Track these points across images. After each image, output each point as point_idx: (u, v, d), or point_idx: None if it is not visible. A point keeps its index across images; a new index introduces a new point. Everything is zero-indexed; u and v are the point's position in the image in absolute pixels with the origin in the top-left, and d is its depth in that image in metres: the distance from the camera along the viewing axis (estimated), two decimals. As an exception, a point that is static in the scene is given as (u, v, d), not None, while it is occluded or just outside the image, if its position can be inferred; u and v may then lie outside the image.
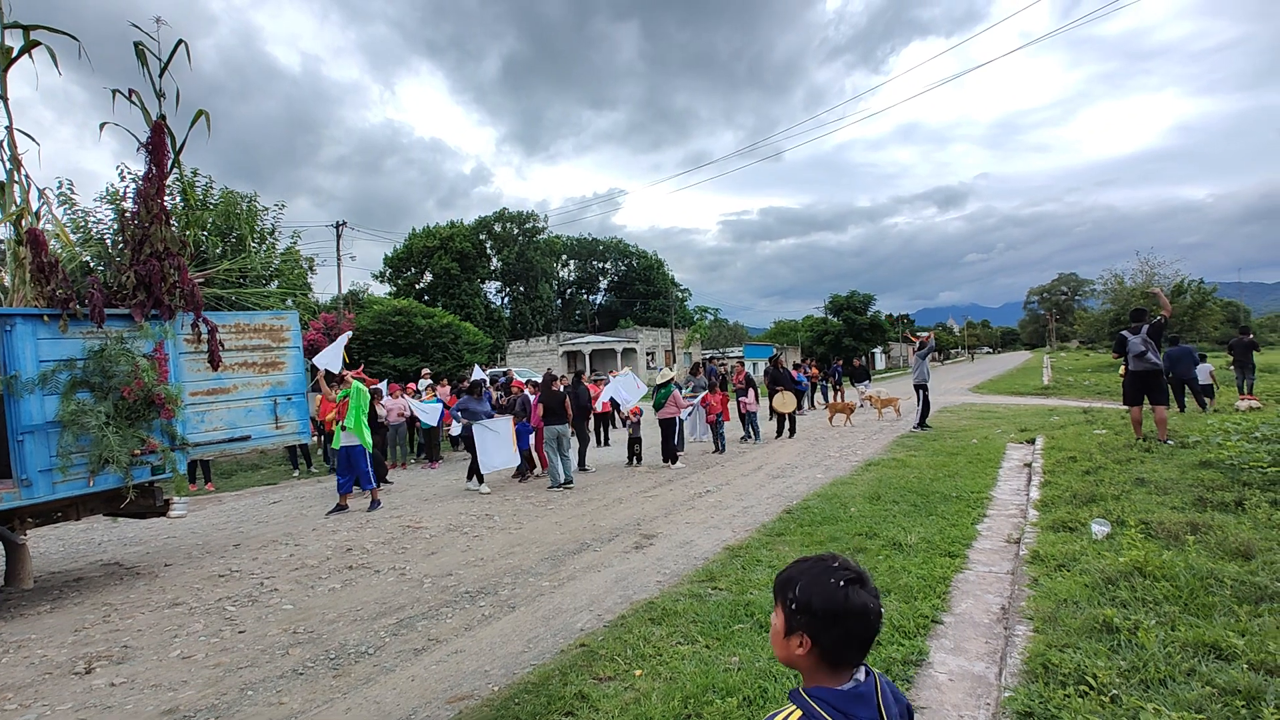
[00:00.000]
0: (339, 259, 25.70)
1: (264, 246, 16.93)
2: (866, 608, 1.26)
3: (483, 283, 51.94)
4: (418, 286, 48.01)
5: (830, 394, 21.16)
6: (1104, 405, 16.43)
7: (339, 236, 25.69)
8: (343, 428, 8.87)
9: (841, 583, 1.24)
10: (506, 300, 58.83)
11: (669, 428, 11.39)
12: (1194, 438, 8.44)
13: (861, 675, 1.30)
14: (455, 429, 11.06)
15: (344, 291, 27.95)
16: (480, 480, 10.08)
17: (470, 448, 10.30)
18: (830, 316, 55.29)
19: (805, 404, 19.68)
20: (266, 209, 17.66)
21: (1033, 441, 11.07)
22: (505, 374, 17.76)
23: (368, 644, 4.44)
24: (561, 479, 9.92)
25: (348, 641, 4.50)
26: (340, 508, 8.93)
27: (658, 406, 11.59)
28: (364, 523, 8.19)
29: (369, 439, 9.04)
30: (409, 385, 14.88)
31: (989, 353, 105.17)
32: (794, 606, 1.28)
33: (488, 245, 55.05)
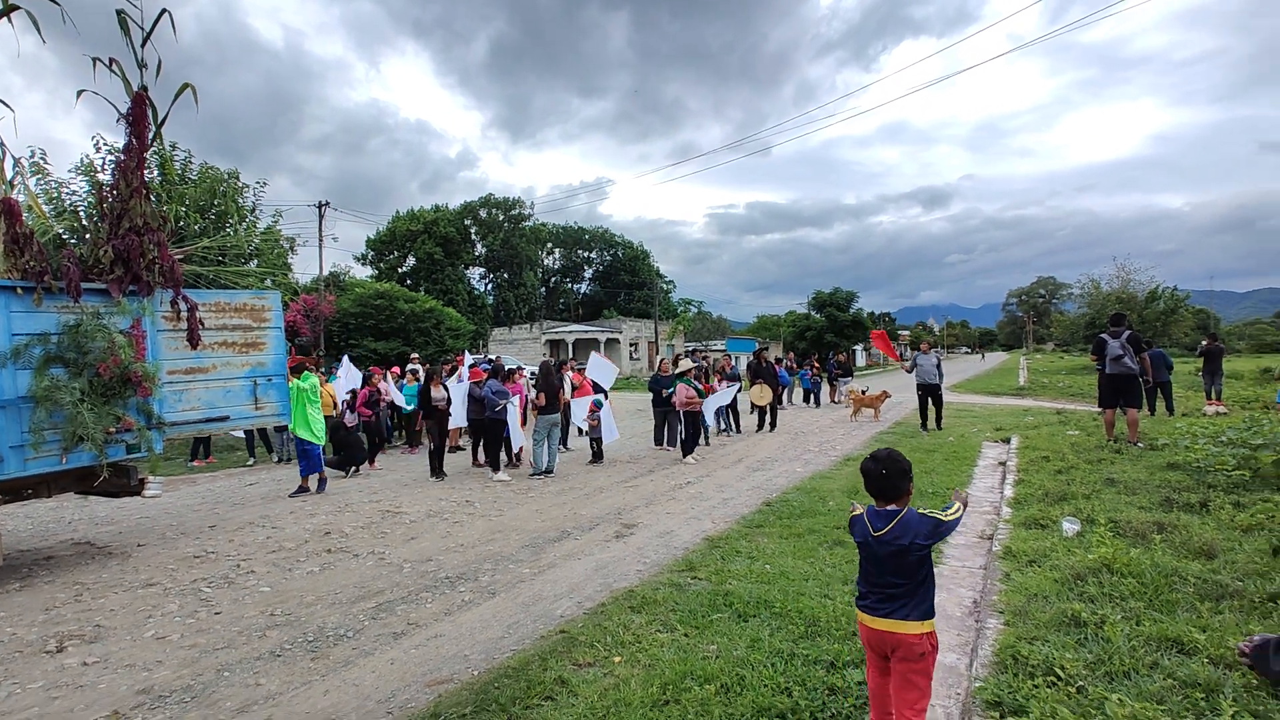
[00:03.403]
0: (320, 240, 25.34)
1: (245, 225, 16.64)
2: (869, 470, 2.67)
3: (466, 268, 51.49)
4: (400, 270, 47.48)
5: (827, 390, 21.30)
6: (1077, 407, 16.78)
7: (321, 217, 25.31)
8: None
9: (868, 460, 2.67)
10: (490, 287, 58.40)
11: (692, 420, 11.02)
12: (1162, 440, 8.67)
13: (891, 508, 2.61)
14: (456, 418, 10.62)
15: (325, 273, 27.56)
16: (501, 467, 9.92)
17: (488, 434, 10.15)
18: (813, 312, 55.67)
19: (785, 399, 19.85)
20: (247, 186, 17.34)
21: (1007, 440, 11.27)
22: (489, 360, 17.64)
23: (346, 627, 4.43)
24: (544, 466, 9.93)
25: (326, 624, 4.49)
26: (302, 490, 8.89)
27: (671, 395, 11.49)
28: (343, 506, 8.14)
29: (319, 434, 8.97)
30: (392, 369, 14.72)
31: (967, 352, 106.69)
32: None
33: (472, 231, 54.52)
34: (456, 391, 10.59)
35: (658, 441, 12.12)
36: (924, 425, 13.11)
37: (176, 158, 15.92)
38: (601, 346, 44.07)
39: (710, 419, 12.42)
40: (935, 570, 3.67)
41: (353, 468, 10.47)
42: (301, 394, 8.81)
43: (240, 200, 16.77)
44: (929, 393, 13.12)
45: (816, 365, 22.06)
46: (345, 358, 13.52)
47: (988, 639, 3.73)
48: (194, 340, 6.41)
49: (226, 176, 16.59)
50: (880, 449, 2.75)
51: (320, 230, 25.25)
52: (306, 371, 9.22)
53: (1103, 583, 4.08)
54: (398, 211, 49.58)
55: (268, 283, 16.03)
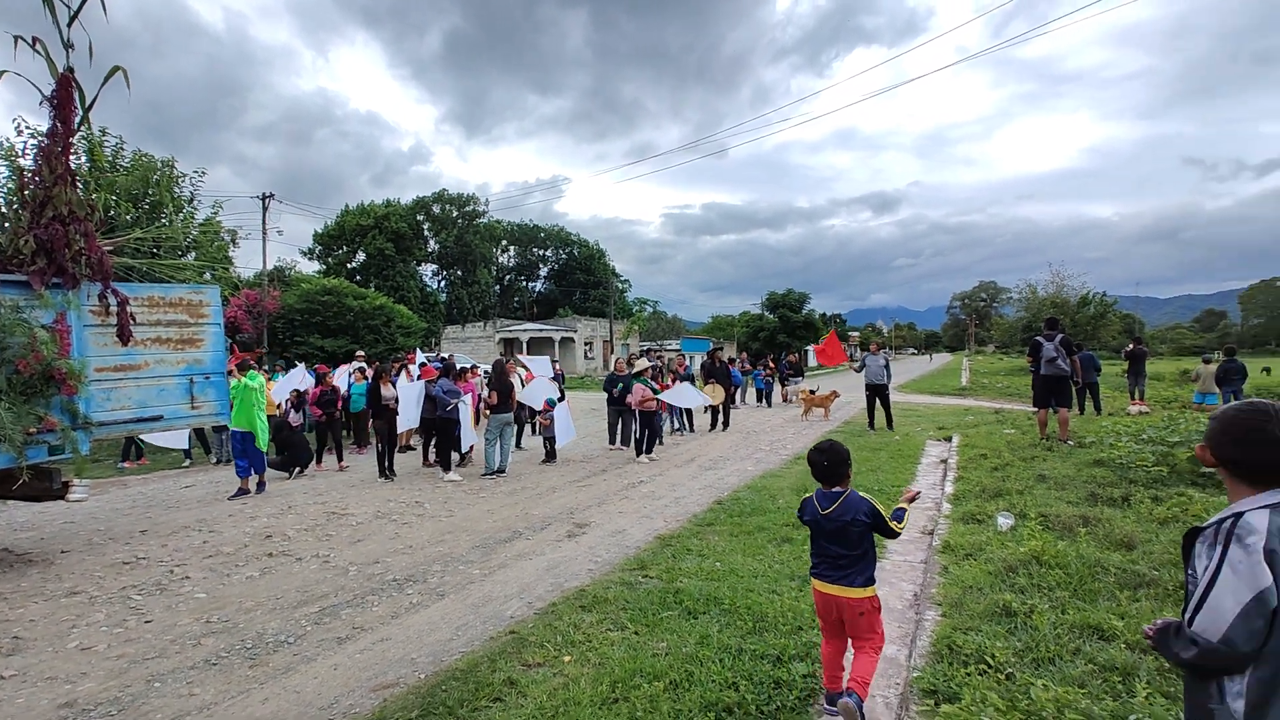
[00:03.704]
0: (264, 233, 24.44)
1: (181, 216, 15.92)
2: (814, 460, 3.06)
3: (419, 265, 50.46)
4: (349, 266, 46.20)
5: (779, 390, 21.61)
6: (1014, 406, 17.52)
7: (265, 209, 24.41)
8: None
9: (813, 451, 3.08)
10: (443, 284, 57.36)
11: (649, 420, 11.05)
12: (1090, 439, 9.13)
13: (836, 490, 3.02)
14: (408, 419, 10.31)
15: (269, 267, 26.61)
16: (452, 467, 9.79)
17: (440, 434, 9.96)
18: (767, 313, 56.56)
19: (739, 398, 20.12)
20: (184, 175, 16.60)
21: (949, 439, 11.68)
22: (442, 359, 17.31)
23: (288, 633, 4.30)
24: (496, 466, 9.82)
25: (266, 630, 4.35)
26: (241, 492, 8.59)
27: (624, 394, 11.50)
28: (285, 508, 7.88)
29: (263, 437, 8.70)
30: (340, 366, 14.33)
31: (914, 353, 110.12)
32: None
33: (425, 227, 53.44)
34: (409, 391, 10.36)
35: (612, 441, 12.14)
36: (871, 424, 13.37)
37: (107, 144, 15.12)
38: (556, 346, 43.83)
39: (683, 404, 12.43)
40: (879, 565, 3.85)
41: (297, 469, 10.15)
42: (249, 393, 8.51)
43: (176, 190, 16.04)
44: (877, 393, 13.36)
45: (771, 366, 22.36)
46: (301, 365, 13.08)
47: (926, 630, 3.87)
48: (124, 336, 6.11)
49: (161, 165, 15.84)
50: (823, 441, 3.21)
51: (264, 223, 24.36)
52: (252, 370, 8.92)
53: (1032, 574, 4.29)
54: (347, 205, 48.25)
55: (207, 276, 15.39)
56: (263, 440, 8.73)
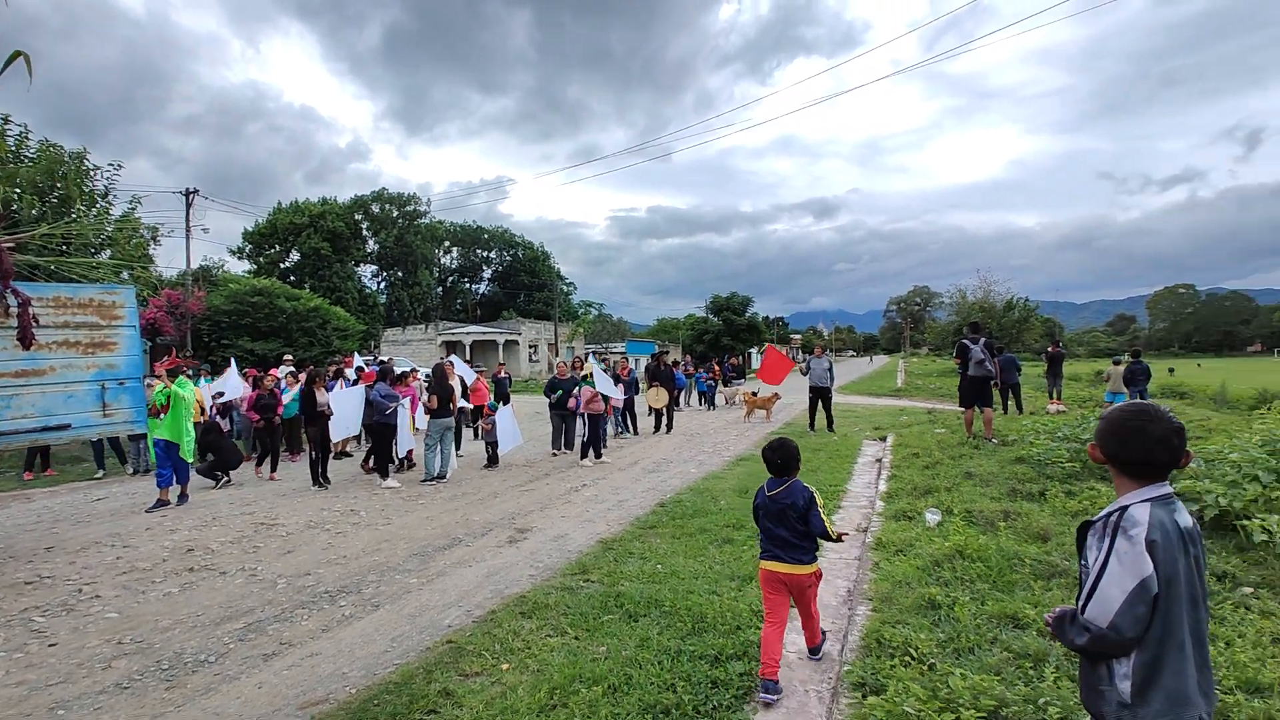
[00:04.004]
0: (188, 230, 23.22)
1: (94, 211, 14.97)
2: (767, 455, 3.50)
3: (357, 265, 48.93)
4: (283, 266, 44.40)
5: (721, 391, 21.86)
6: (945, 406, 18.27)
7: (189, 205, 23.20)
8: (162, 420, 8.14)
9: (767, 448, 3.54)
10: (383, 285, 55.79)
11: (596, 423, 11.02)
12: (1012, 437, 9.61)
13: (784, 478, 3.43)
14: (348, 426, 9.93)
15: (194, 267, 25.31)
16: (390, 474, 9.52)
17: (379, 439, 9.66)
18: (711, 316, 57.28)
19: (683, 401, 20.31)
20: (98, 168, 15.62)
21: (884, 439, 12.10)
22: (381, 362, 16.79)
23: (209, 651, 4.10)
24: (436, 472, 9.61)
25: (185, 650, 4.13)
26: (161, 503, 8.15)
27: (565, 399, 11.42)
28: (209, 520, 7.50)
29: (190, 448, 8.30)
30: (271, 371, 13.73)
31: (853, 355, 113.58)
32: None
33: (364, 226, 51.87)
34: (348, 397, 10.01)
35: (555, 447, 12.03)
36: (812, 426, 13.64)
37: (9, 133, 14.08)
38: (500, 349, 43.26)
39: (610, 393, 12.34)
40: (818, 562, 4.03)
41: (225, 478, 9.68)
42: (179, 401, 8.08)
43: (89, 183, 15.07)
44: (820, 395, 13.59)
45: (716, 371, 22.55)
46: (232, 368, 12.43)
47: (857, 625, 4.00)
48: (26, 340, 5.70)
49: (69, 156, 14.84)
50: (775, 439, 3.63)
51: (188, 219, 23.15)
52: (183, 377, 8.49)
53: (956, 568, 4.49)
54: (279, 203, 46.36)
55: (124, 276, 14.52)
56: (188, 450, 8.30)
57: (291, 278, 41.56)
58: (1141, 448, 1.74)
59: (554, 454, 11.80)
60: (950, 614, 3.79)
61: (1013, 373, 14.69)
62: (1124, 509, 1.73)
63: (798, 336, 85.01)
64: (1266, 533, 4.26)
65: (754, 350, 57.19)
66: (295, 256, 44.51)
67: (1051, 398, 16.48)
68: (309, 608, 4.79)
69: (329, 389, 11.46)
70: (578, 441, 12.13)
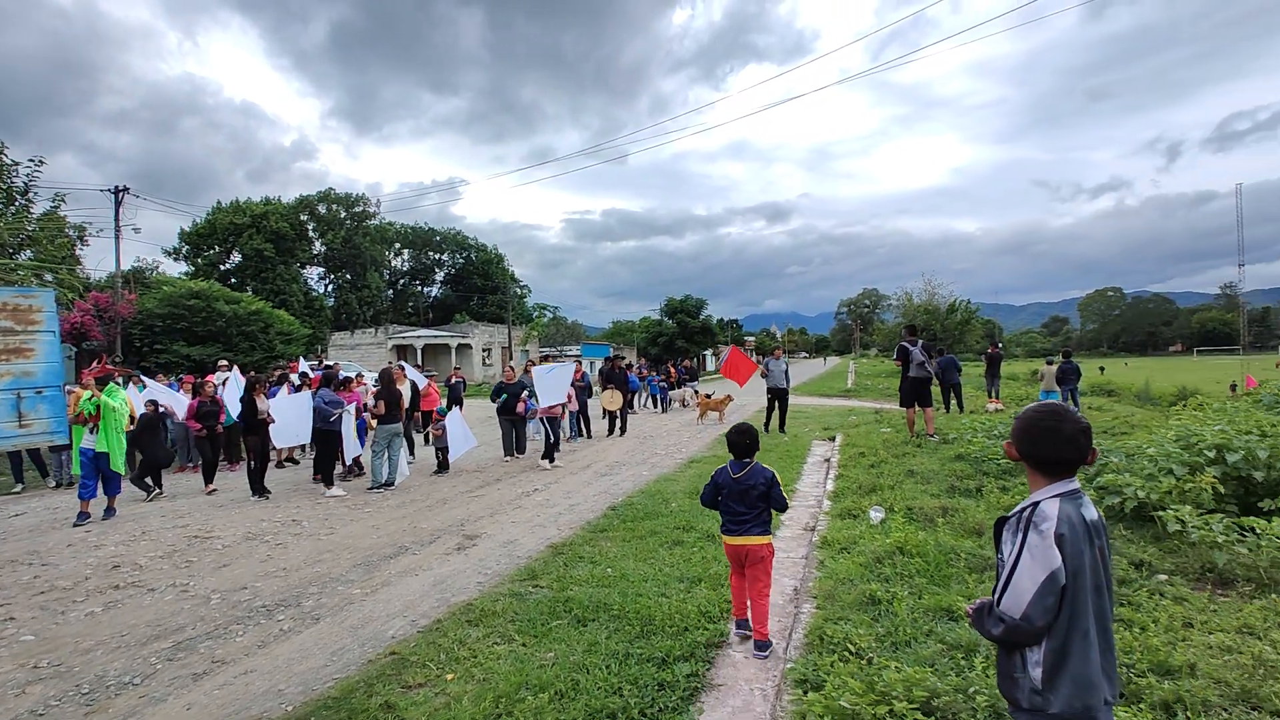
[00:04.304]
0: (118, 230, 22.11)
1: (12, 209, 14.11)
2: (732, 439, 3.91)
3: (303, 268, 47.46)
4: (223, 268, 42.75)
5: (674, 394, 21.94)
6: (892, 406, 18.80)
7: (118, 204, 22.08)
8: (91, 429, 7.73)
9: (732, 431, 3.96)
10: (330, 288, 54.22)
11: (554, 426, 10.93)
12: (952, 435, 9.96)
13: (745, 461, 3.84)
14: (295, 433, 9.59)
15: (124, 268, 24.11)
16: (335, 482, 9.25)
17: (323, 446, 9.33)
18: (666, 319, 57.60)
19: (637, 404, 20.37)
20: (17, 164, 14.73)
21: (833, 439, 12.37)
22: (328, 366, 16.30)
23: (134, 673, 3.90)
24: (383, 479, 9.39)
25: (108, 672, 3.92)
26: (83, 516, 7.74)
27: (511, 404, 11.29)
28: (138, 534, 7.15)
29: (120, 461, 7.92)
30: (208, 377, 13.18)
31: (805, 357, 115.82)
32: None
33: (310, 227, 50.32)
34: (295, 404, 9.67)
35: (507, 453, 11.83)
36: (766, 427, 13.79)
37: (-84, 124, 13.16)
38: (453, 352, 42.54)
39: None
40: (769, 598, 4.16)
41: (156, 490, 9.24)
42: (110, 411, 7.68)
43: (6, 180, 14.21)
44: (779, 396, 13.76)
45: (673, 373, 22.59)
46: (173, 381, 11.88)
47: (802, 623, 4.07)
48: (-68, 346, 5.34)
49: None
50: (742, 424, 4.04)
51: (117, 219, 22.04)
52: (113, 384, 8.06)
53: (896, 564, 4.63)
54: (219, 202, 44.62)
55: (47, 278, 13.73)
56: (119, 461, 7.90)
57: (232, 280, 40.06)
58: (1052, 446, 1.83)
59: (506, 459, 11.66)
60: (889, 609, 3.90)
61: (953, 373, 15.23)
62: (1036, 504, 1.82)
63: (751, 339, 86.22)
64: (1180, 523, 4.52)
65: (708, 352, 57.75)
66: (236, 258, 42.90)
67: (990, 397, 17.14)
68: (244, 623, 4.62)
69: (272, 395, 11.07)
70: (530, 445, 12.02)
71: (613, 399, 14.74)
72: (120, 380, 9.30)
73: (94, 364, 10.57)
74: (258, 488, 9.03)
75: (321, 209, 51.73)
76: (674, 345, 52.81)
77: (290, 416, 9.37)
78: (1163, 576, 4.21)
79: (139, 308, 21.13)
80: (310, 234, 49.84)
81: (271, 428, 9.22)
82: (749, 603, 3.92)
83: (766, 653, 3.78)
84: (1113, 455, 6.02)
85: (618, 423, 14.89)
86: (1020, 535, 1.80)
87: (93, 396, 7.70)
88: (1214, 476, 4.93)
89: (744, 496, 3.81)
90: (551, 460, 10.77)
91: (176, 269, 41.92)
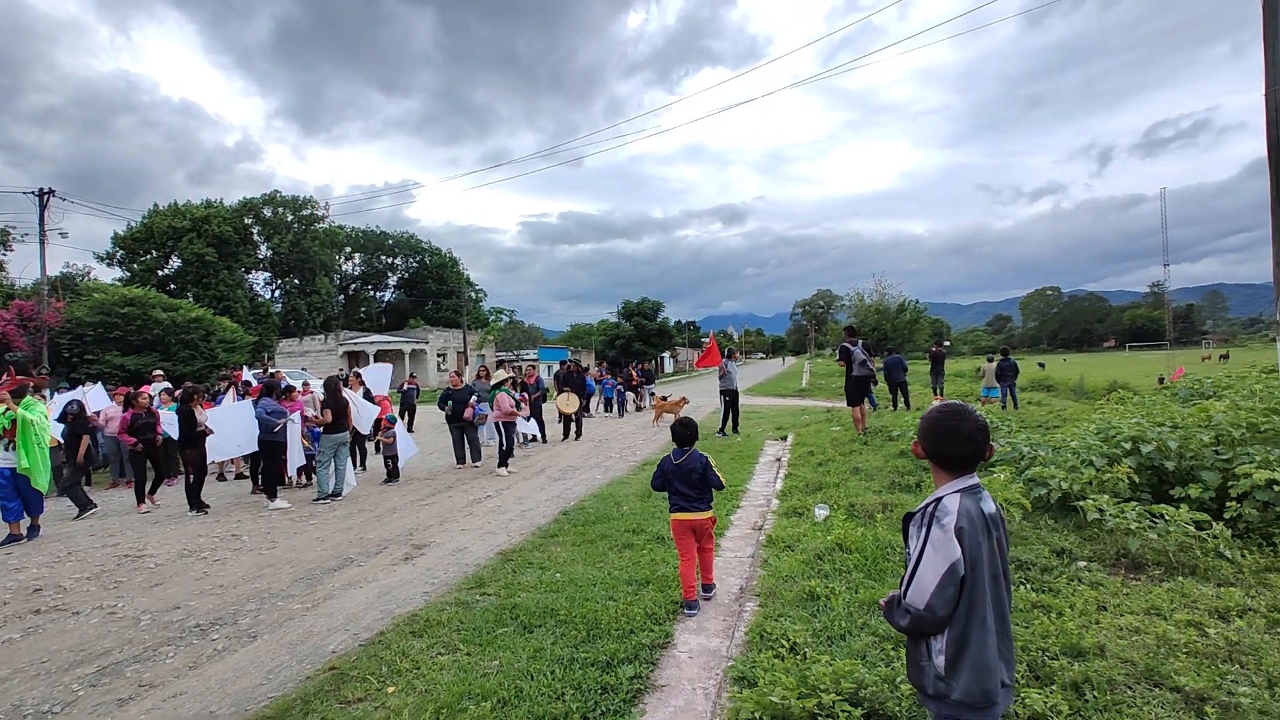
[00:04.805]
0: (42, 235, 21.01)
1: (-76, 213, 13.27)
2: (676, 430, 4.66)
3: (248, 273, 45.90)
4: (161, 273, 41.01)
5: (630, 397, 21.97)
6: (843, 405, 19.25)
7: (44, 207, 20.99)
8: (7, 446, 7.36)
9: (676, 424, 4.72)
10: (278, 294, 52.58)
11: (509, 431, 10.83)
12: (896, 432, 10.26)
13: (685, 449, 4.56)
14: (238, 444, 9.26)
15: (52, 274, 22.92)
16: (279, 494, 8.99)
17: (266, 458, 9.05)
18: (623, 321, 57.68)
19: (594, 407, 20.35)
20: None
21: (785, 438, 12.60)
22: (272, 374, 15.79)
23: (53, 700, 3.73)
24: (329, 490, 9.16)
25: (24, 701, 3.74)
26: (12, 538, 7.37)
27: (458, 411, 11.18)
28: (64, 555, 6.81)
29: (43, 480, 7.55)
30: (143, 389, 12.64)
31: (762, 358, 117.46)
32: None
33: (255, 231, 48.71)
34: (235, 414, 9.32)
35: (459, 460, 11.67)
36: (722, 429, 13.86)
37: None
38: (407, 358, 41.77)
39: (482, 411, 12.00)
40: (714, 561, 4.22)
41: (90, 506, 8.81)
42: (27, 426, 7.30)
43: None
44: (734, 397, 13.92)
45: (635, 378, 22.44)
46: (100, 384, 11.33)
47: (745, 621, 4.15)
48: None
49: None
50: (684, 418, 4.72)
51: (42, 223, 20.95)
52: (31, 397, 7.66)
53: (835, 560, 4.75)
54: (156, 205, 42.84)
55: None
56: (42, 480, 7.51)
57: (171, 286, 38.53)
58: (953, 444, 1.93)
59: (458, 467, 11.50)
60: (827, 604, 4.01)
61: (899, 372, 15.69)
62: (938, 500, 1.92)
63: (707, 341, 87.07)
64: (1098, 511, 4.77)
65: (666, 355, 58.04)
66: (176, 263, 41.23)
67: (935, 394, 17.70)
68: (175, 644, 4.45)
69: (218, 402, 10.69)
70: (484, 451, 11.89)
71: (569, 402, 14.71)
72: (40, 392, 8.83)
73: (4, 376, 10.01)
74: (195, 502, 8.70)
75: (267, 212, 50.15)
76: (631, 348, 52.92)
77: (230, 427, 9.07)
78: (1082, 563, 4.44)
79: (68, 316, 20.12)
80: (255, 238, 48.26)
81: (209, 440, 8.90)
82: (699, 557, 4.63)
83: (711, 594, 4.66)
84: (1040, 449, 6.30)
85: (573, 427, 14.86)
86: (924, 530, 1.89)
87: (7, 410, 7.31)
88: (1130, 467, 5.22)
89: (687, 478, 4.48)
90: (507, 466, 10.68)
91: (110, 275, 40.09)
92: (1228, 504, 4.65)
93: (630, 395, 21.77)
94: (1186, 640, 3.20)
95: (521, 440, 13.59)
